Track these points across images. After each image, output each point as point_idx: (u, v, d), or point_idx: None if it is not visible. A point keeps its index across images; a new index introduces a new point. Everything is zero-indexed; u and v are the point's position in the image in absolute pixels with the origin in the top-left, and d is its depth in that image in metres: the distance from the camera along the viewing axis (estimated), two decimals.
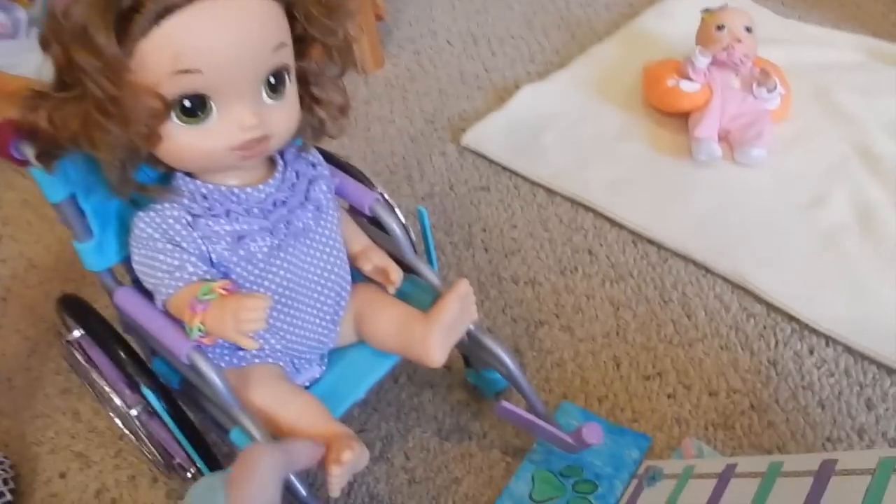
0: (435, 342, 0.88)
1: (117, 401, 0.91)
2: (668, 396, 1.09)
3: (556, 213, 1.40)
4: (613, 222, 1.35)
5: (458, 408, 1.12)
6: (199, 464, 0.91)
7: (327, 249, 0.89)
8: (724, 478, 0.87)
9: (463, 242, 1.37)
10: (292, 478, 0.82)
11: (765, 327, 1.16)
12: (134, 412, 0.89)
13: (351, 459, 0.79)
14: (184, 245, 0.80)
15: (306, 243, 0.87)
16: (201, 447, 0.92)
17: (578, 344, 1.18)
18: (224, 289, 0.77)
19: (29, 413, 1.21)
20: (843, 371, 1.09)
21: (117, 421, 1.09)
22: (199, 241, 0.80)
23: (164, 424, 0.88)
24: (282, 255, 0.85)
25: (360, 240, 0.97)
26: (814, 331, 1.14)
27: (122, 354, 0.89)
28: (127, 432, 1.05)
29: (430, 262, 0.99)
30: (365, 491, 1.04)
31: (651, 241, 1.31)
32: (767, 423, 1.04)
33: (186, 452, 0.91)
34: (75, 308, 0.95)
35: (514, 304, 1.25)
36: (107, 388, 0.92)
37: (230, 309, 0.75)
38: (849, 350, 1.11)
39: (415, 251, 0.98)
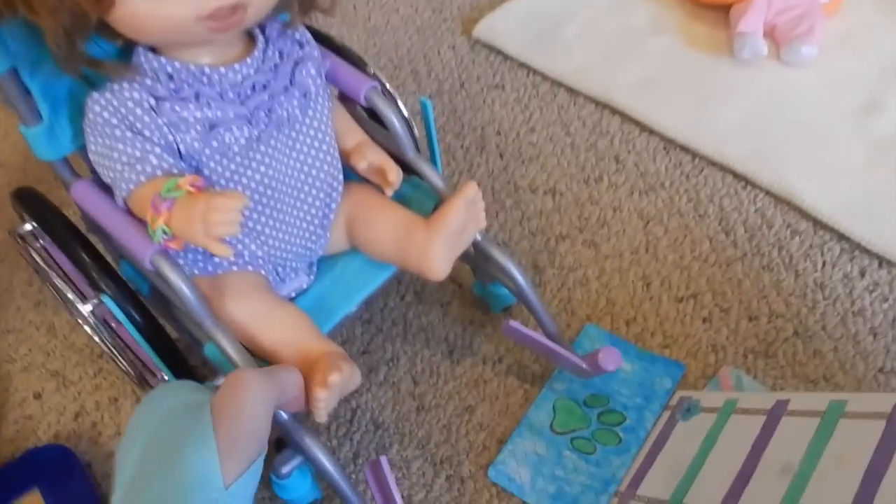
0: (437, 252, 0.77)
1: (71, 296, 0.81)
2: (704, 320, 0.99)
3: (578, 115, 1.26)
4: (643, 126, 1.22)
5: (470, 329, 1.02)
6: (168, 376, 0.82)
7: (315, 143, 0.78)
8: (774, 415, 0.78)
9: (475, 146, 1.24)
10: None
11: (811, 246, 1.05)
12: (88, 308, 0.79)
13: (338, 382, 0.70)
14: (146, 133, 0.69)
15: (291, 135, 0.75)
16: (174, 359, 0.83)
17: (604, 261, 1.07)
18: (193, 185, 0.66)
19: (2, 327, 1.11)
20: None
21: (95, 337, 0.99)
22: (165, 128, 0.69)
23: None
24: (262, 147, 0.73)
25: (354, 134, 0.84)
26: (866, 251, 1.03)
27: (81, 253, 0.79)
28: (105, 348, 0.95)
29: (433, 161, 0.87)
30: (369, 418, 0.96)
31: (685, 148, 1.18)
32: (813, 352, 0.95)
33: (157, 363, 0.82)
34: (30, 201, 0.84)
35: (533, 215, 1.13)
36: (61, 285, 0.82)
37: (199, 209, 0.64)
38: None
39: (417, 150, 0.86)
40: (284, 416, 0.74)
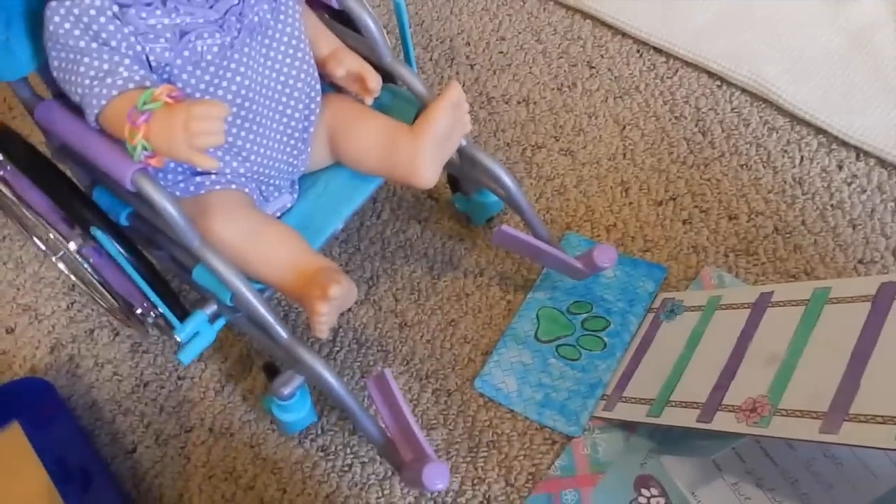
0: (425, 159, 0.74)
1: (52, 235, 0.77)
2: (684, 222, 0.98)
3: (549, 21, 1.22)
4: (615, 30, 1.19)
5: (450, 243, 1.00)
6: (162, 308, 0.78)
7: (290, 50, 0.74)
8: (758, 308, 0.78)
9: (444, 58, 1.20)
10: (270, 319, 0.71)
11: (788, 142, 1.04)
12: (73, 246, 0.76)
13: (339, 294, 0.67)
14: (112, 43, 0.64)
15: (264, 42, 0.71)
16: (162, 288, 0.80)
17: (581, 168, 1.05)
18: (170, 96, 0.61)
19: None
20: (876, 186, 0.99)
21: (62, 267, 0.96)
22: (132, 38, 0.65)
23: (115, 265, 0.76)
24: (236, 56, 0.69)
25: (327, 40, 0.80)
26: (843, 143, 1.02)
27: (60, 187, 0.75)
28: (76, 280, 0.92)
29: (409, 64, 0.83)
30: (352, 337, 0.94)
31: (658, 50, 1.15)
32: (794, 247, 0.95)
33: (145, 295, 0.79)
34: None
35: (507, 126, 1.11)
36: (33, 222, 0.78)
37: (179, 119, 0.60)
38: (882, 163, 1.00)
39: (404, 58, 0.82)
40: (284, 335, 0.72)
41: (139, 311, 0.83)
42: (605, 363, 0.88)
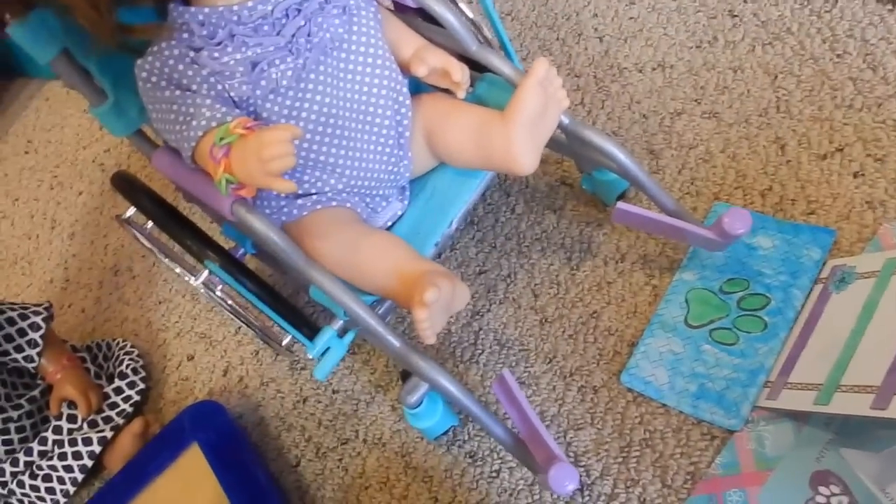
0: (519, 143, 0.70)
1: (179, 271, 0.82)
2: (855, 175, 0.85)
3: None
4: None
5: (587, 230, 0.95)
6: (287, 329, 0.81)
7: (369, 59, 0.72)
8: None
9: (571, 35, 1.14)
10: (380, 329, 0.71)
11: None
12: (198, 281, 0.80)
13: (435, 299, 0.65)
14: (193, 87, 0.67)
15: (340, 56, 0.71)
16: (287, 311, 0.82)
17: (728, 130, 0.94)
18: (244, 127, 0.63)
19: (152, 300, 1.19)
20: None
21: (214, 306, 1.03)
22: (211, 78, 0.67)
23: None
24: (312, 76, 0.69)
25: (410, 41, 0.78)
26: None
27: (178, 229, 0.79)
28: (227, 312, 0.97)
29: (505, 52, 0.79)
30: (493, 338, 0.92)
31: None
32: None
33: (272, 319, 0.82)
34: (124, 185, 0.85)
35: (642, 96, 1.02)
36: (165, 260, 0.83)
37: (252, 148, 0.61)
38: None
39: (482, 42, 0.78)
40: (396, 343, 0.72)
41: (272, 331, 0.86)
42: (766, 346, 0.78)
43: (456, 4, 0.78)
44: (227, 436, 0.96)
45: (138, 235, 0.90)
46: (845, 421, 0.69)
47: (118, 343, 1.13)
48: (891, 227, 0.79)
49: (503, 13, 1.22)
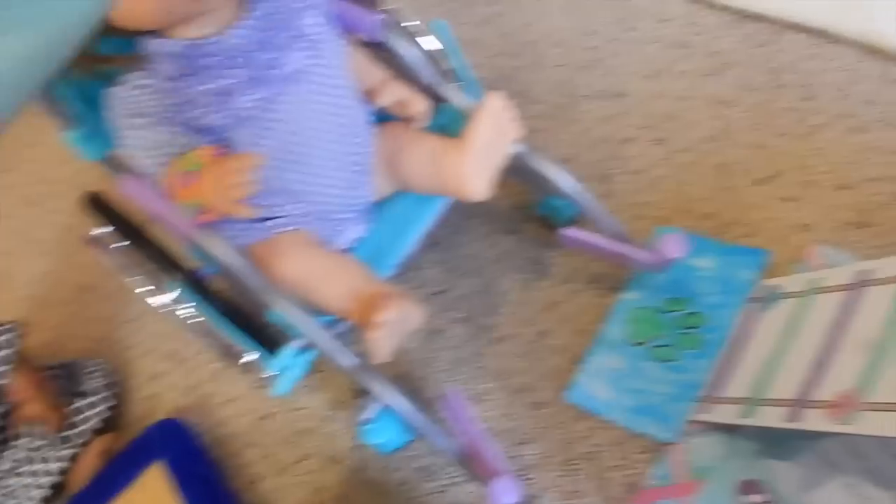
0: (470, 171, 0.74)
1: (147, 289, 0.86)
2: (788, 200, 0.90)
3: (639, 6, 1.17)
4: (710, 4, 1.11)
5: (541, 251, 0.98)
6: (251, 348, 0.84)
7: (334, 91, 0.76)
8: (856, 288, 0.69)
9: (533, 64, 1.18)
10: (333, 348, 0.74)
11: None
12: (166, 300, 0.83)
13: (388, 320, 0.68)
14: (163, 116, 0.71)
15: (306, 88, 0.74)
16: (251, 329, 0.85)
17: (675, 156, 0.99)
18: (209, 155, 0.67)
19: (120, 319, 1.21)
20: None
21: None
22: (180, 107, 0.71)
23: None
24: (277, 107, 0.73)
25: (374, 73, 0.83)
26: None
27: (145, 250, 0.83)
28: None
29: (464, 80, 0.83)
30: (449, 356, 0.95)
31: (758, 17, 1.06)
32: None
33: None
34: (92, 204, 0.89)
35: (597, 123, 1.07)
36: (132, 279, 0.87)
37: (215, 176, 0.65)
38: None
39: (444, 75, 0.83)
40: (349, 362, 0.75)
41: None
42: (701, 362, 0.81)
43: (415, 40, 0.82)
44: (191, 453, 0.98)
45: (105, 254, 0.93)
46: (770, 432, 0.73)
47: (85, 362, 1.15)
48: (819, 249, 0.84)
49: (469, 41, 1.25)
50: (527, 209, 1.03)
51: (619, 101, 1.08)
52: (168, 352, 1.14)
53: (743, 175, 0.93)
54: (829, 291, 0.72)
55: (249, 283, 0.74)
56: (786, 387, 0.68)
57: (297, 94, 0.74)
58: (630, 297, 0.89)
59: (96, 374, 1.10)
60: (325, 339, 0.74)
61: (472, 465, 0.76)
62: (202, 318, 0.89)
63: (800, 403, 0.65)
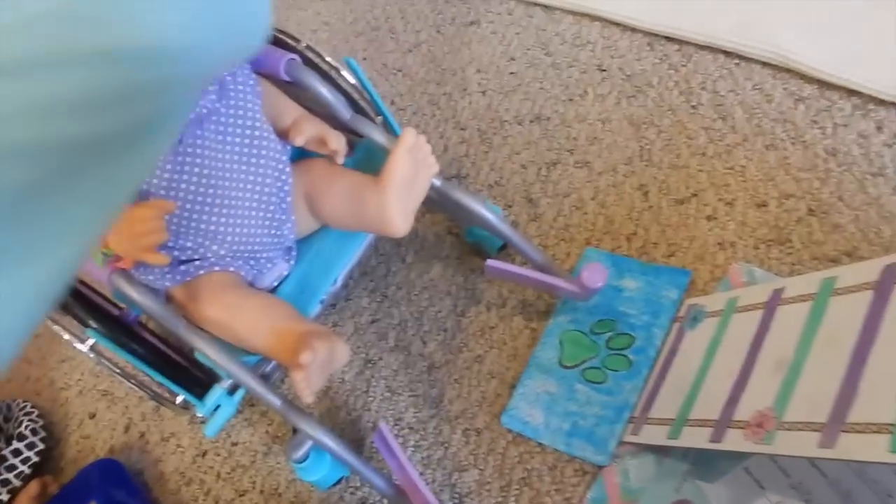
0: (391, 208, 0.74)
1: (67, 337, 0.84)
2: (708, 219, 0.92)
3: (557, 31, 1.19)
4: (624, 27, 1.14)
5: (472, 278, 0.99)
6: (179, 391, 0.83)
7: (246, 131, 0.76)
8: (770, 307, 0.71)
9: (457, 90, 1.19)
10: (260, 389, 0.73)
11: (818, 111, 0.95)
12: (85, 347, 0.82)
13: (311, 360, 0.67)
14: None
15: (215, 129, 0.74)
16: (178, 371, 0.84)
17: (598, 178, 1.01)
18: None
19: (55, 358, 1.18)
20: None
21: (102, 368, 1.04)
22: None
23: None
24: (188, 149, 0.72)
25: (290, 111, 0.82)
26: (880, 101, 0.92)
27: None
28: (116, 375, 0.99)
29: (384, 116, 0.83)
30: (384, 386, 0.95)
31: (670, 39, 1.09)
32: (832, 227, 0.86)
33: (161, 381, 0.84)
34: None
35: (521, 147, 1.08)
36: (54, 327, 0.85)
37: (124, 225, 0.64)
38: None
39: (362, 112, 0.83)
40: (276, 401, 0.74)
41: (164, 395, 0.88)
42: (631, 383, 0.83)
43: (329, 77, 0.82)
44: (127, 493, 0.96)
45: None
46: (698, 453, 0.75)
47: (18, 404, 1.12)
48: (739, 267, 0.86)
49: (394, 69, 1.27)
50: (456, 236, 1.03)
51: (541, 124, 1.09)
52: (103, 391, 1.11)
53: (663, 195, 0.96)
54: (747, 310, 0.74)
55: (166, 324, 0.73)
56: (709, 407, 0.70)
57: (206, 136, 0.73)
58: (560, 320, 0.90)
59: (28, 416, 1.07)
60: (249, 380, 0.74)
61: (405, 500, 0.76)
62: (127, 364, 0.87)
63: (722, 423, 0.66)
